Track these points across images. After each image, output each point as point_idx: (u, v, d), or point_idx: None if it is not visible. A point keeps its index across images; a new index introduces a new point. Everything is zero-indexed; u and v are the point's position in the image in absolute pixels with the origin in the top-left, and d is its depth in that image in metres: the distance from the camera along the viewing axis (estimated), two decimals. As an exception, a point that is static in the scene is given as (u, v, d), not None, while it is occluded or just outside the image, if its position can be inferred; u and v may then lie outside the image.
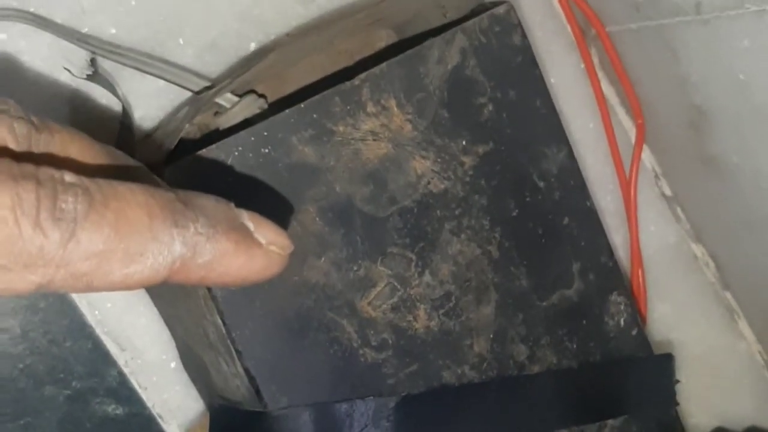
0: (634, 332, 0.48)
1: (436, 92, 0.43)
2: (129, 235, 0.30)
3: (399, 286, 0.43)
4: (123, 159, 0.33)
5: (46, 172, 0.29)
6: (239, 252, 0.33)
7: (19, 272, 0.28)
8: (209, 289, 0.40)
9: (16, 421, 0.46)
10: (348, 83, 0.42)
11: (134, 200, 0.30)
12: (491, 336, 0.45)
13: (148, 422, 0.48)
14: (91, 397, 0.47)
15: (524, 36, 0.45)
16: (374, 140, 0.42)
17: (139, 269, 0.30)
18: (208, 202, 0.33)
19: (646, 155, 0.56)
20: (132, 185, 0.31)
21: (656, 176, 0.57)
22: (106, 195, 0.30)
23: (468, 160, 0.44)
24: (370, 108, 0.42)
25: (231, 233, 0.33)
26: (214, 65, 0.47)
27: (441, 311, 0.44)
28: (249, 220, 0.34)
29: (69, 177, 0.29)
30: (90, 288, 0.30)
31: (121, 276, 0.30)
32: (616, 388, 0.48)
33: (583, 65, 0.55)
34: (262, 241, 0.34)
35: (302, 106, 0.41)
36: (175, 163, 0.39)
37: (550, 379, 0.46)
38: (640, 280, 0.55)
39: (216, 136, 0.41)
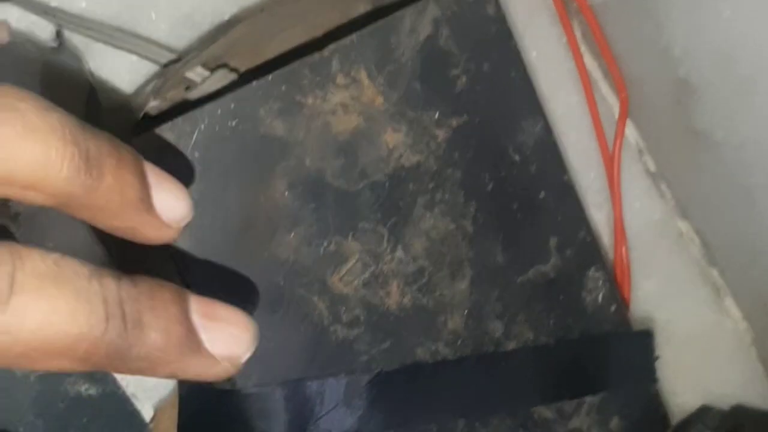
0: (612, 308, 0.48)
1: (408, 64, 0.42)
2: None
3: (371, 262, 0.42)
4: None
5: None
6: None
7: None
8: (177, 270, 0.39)
9: (-13, 401, 0.45)
10: (317, 54, 0.41)
11: None
12: (466, 312, 0.44)
13: (121, 402, 0.47)
14: (64, 378, 0.46)
15: (498, 6, 0.44)
16: (344, 113, 0.41)
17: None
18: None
19: (630, 130, 0.55)
20: None
21: (640, 152, 0.56)
22: None
23: (441, 133, 0.43)
24: (340, 80, 0.41)
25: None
26: (188, 39, 0.46)
27: (414, 287, 0.43)
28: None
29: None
30: None
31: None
32: (594, 364, 0.47)
33: (565, 39, 0.54)
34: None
35: (270, 77, 0.40)
36: (141, 136, 0.39)
37: (526, 356, 0.45)
38: (624, 257, 0.55)
39: (182, 107, 0.41)
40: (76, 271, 0.28)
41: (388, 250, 0.43)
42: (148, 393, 0.48)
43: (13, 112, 0.28)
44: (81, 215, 0.30)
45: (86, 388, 0.47)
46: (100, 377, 0.47)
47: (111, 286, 0.29)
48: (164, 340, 0.30)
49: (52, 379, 0.46)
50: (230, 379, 0.40)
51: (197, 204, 0.38)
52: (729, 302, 0.58)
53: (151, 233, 0.32)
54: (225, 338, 0.32)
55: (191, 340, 0.31)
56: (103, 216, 0.30)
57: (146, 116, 0.40)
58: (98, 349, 0.28)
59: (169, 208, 0.32)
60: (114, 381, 0.47)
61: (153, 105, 0.41)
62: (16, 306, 0.27)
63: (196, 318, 0.31)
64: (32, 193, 0.28)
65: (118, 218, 0.31)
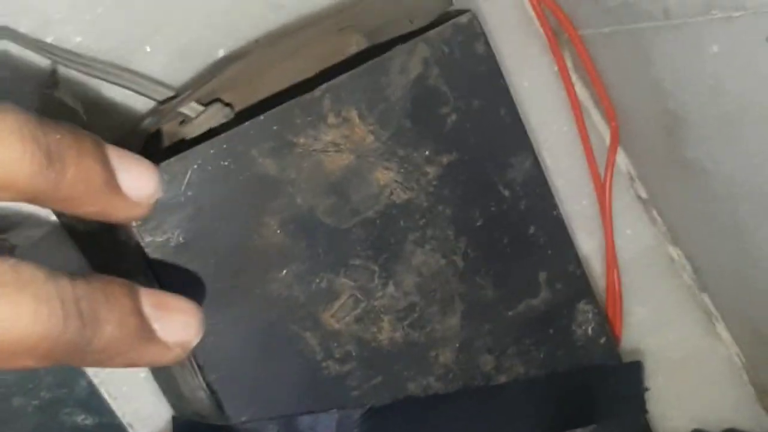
0: (602, 340, 0.48)
1: (399, 103, 0.43)
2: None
3: (362, 298, 0.43)
4: None
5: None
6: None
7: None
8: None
9: (-16, 432, 0.46)
10: (308, 95, 0.41)
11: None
12: (457, 346, 0.45)
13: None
14: (61, 408, 0.47)
15: (488, 45, 0.44)
16: (336, 152, 0.42)
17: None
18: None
19: (621, 158, 0.56)
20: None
21: (631, 179, 0.56)
22: None
23: (432, 171, 0.44)
24: (332, 119, 0.42)
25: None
26: (184, 73, 0.47)
27: (405, 322, 0.44)
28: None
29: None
30: None
31: None
32: (584, 397, 0.48)
33: (556, 68, 0.54)
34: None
35: (262, 118, 0.41)
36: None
37: (517, 390, 0.46)
38: (616, 283, 0.55)
39: (177, 147, 0.41)
40: (33, 274, 0.29)
41: (380, 286, 0.43)
42: (144, 422, 0.48)
43: None
44: (50, 207, 0.32)
45: (83, 419, 0.47)
46: (97, 407, 0.47)
47: (66, 286, 0.29)
48: (120, 333, 0.31)
49: (50, 410, 0.46)
50: (223, 415, 0.41)
51: (190, 243, 0.39)
52: (720, 327, 0.58)
53: (121, 214, 0.33)
54: (176, 326, 0.33)
55: (145, 330, 0.32)
56: (72, 205, 0.31)
57: (144, 152, 0.40)
58: (58, 347, 0.29)
59: (136, 187, 0.33)
60: (111, 411, 0.48)
61: (147, 143, 0.41)
62: None
63: (148, 309, 0.32)
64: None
65: (86, 204, 0.32)
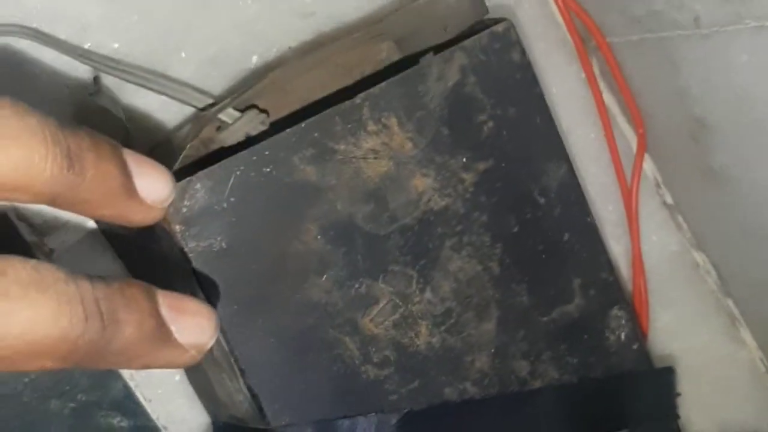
0: (634, 347, 0.49)
1: (436, 110, 0.43)
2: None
3: (400, 303, 0.43)
4: None
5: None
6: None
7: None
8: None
9: (21, 434, 0.46)
10: (348, 102, 0.42)
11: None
12: (493, 352, 0.45)
13: (153, 434, 0.48)
14: (96, 410, 0.47)
15: (524, 53, 0.45)
16: (375, 158, 0.42)
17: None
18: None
19: (648, 164, 0.56)
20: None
21: (657, 185, 0.57)
22: None
23: (468, 177, 0.44)
24: (371, 127, 0.42)
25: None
26: (216, 79, 0.47)
27: (442, 328, 0.44)
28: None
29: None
30: None
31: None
32: (617, 402, 0.48)
33: (584, 75, 0.55)
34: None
35: (303, 125, 0.41)
36: (177, 183, 0.40)
37: (551, 395, 0.46)
38: (642, 289, 0.56)
39: (218, 154, 0.42)
40: (54, 275, 0.29)
41: (417, 292, 0.44)
42: (179, 425, 0.49)
43: None
44: (68, 209, 0.32)
45: (118, 421, 0.48)
46: (132, 410, 0.48)
47: (87, 287, 0.30)
48: (138, 334, 0.32)
49: (85, 412, 0.47)
50: (264, 419, 0.41)
51: (232, 248, 0.40)
52: (744, 332, 0.58)
53: (137, 217, 0.34)
54: (192, 328, 0.34)
55: (162, 331, 0.33)
56: (89, 207, 0.32)
57: (183, 162, 0.41)
58: (79, 348, 0.30)
59: (151, 191, 0.34)
60: (145, 413, 0.48)
61: (189, 148, 0.42)
62: (1, 312, 0.28)
63: (165, 311, 0.33)
64: (19, 195, 0.30)
65: (104, 207, 0.33)
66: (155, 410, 0.48)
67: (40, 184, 0.30)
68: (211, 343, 0.35)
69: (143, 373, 0.48)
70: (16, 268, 0.29)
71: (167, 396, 0.48)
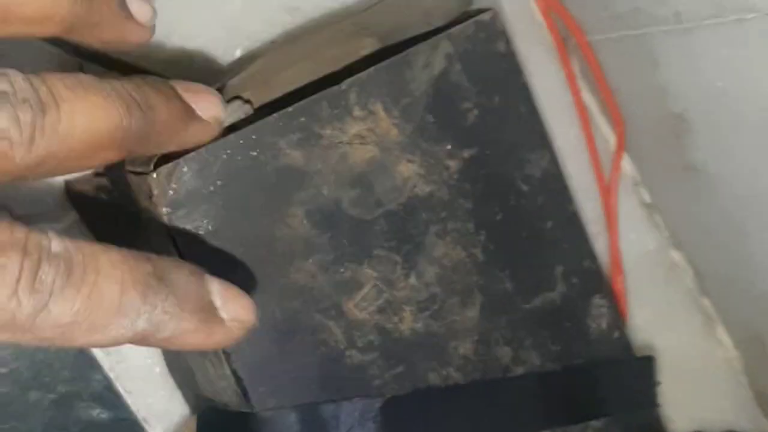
0: (615, 335, 0.49)
1: (422, 97, 0.44)
2: (97, 309, 0.31)
3: (385, 288, 0.43)
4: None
5: (34, 239, 0.30)
6: (200, 331, 0.35)
7: None
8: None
9: (0, 425, 0.46)
10: (335, 88, 0.42)
11: (111, 274, 0.32)
12: (476, 338, 0.45)
13: (133, 427, 0.48)
14: (77, 402, 0.47)
15: (509, 43, 0.46)
16: (361, 144, 0.43)
17: (100, 339, 0.32)
18: (182, 276, 0.35)
19: (626, 163, 0.57)
20: (114, 256, 0.32)
21: (636, 184, 0.57)
22: (86, 267, 0.31)
23: (453, 164, 0.45)
24: (357, 112, 0.43)
25: (196, 314, 0.34)
26: (201, 73, 0.47)
27: (426, 313, 0.44)
28: (218, 295, 0.36)
29: (55, 245, 0.31)
30: (53, 346, 0.32)
31: (82, 343, 0.32)
32: (598, 389, 0.49)
33: (563, 74, 0.56)
34: (226, 317, 0.36)
35: (290, 109, 0.41)
36: (164, 167, 0.40)
37: (533, 381, 0.46)
38: (620, 287, 0.56)
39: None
40: (89, 78, 0.33)
41: (402, 277, 0.44)
42: (160, 418, 0.48)
43: None
44: (81, 37, 0.34)
45: (98, 413, 0.47)
46: (112, 402, 0.47)
47: (117, 84, 0.33)
48: (170, 113, 0.36)
49: (65, 404, 0.47)
50: (248, 402, 0.41)
51: (219, 231, 0.40)
52: (720, 331, 0.59)
53: (134, 37, 0.37)
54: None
55: (187, 109, 0.37)
56: (99, 32, 0.35)
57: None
58: (131, 133, 0.33)
59: (142, 11, 0.37)
60: (126, 406, 0.48)
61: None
62: (65, 111, 0.31)
63: (183, 94, 0.38)
64: (39, 27, 0.32)
65: (108, 30, 0.35)
66: (135, 402, 0.48)
67: (62, 12, 0.32)
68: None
69: (123, 364, 0.47)
70: (59, 78, 0.31)
71: (147, 388, 0.48)
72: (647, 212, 0.58)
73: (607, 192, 0.56)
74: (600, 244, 0.56)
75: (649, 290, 0.58)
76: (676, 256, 0.58)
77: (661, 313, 0.58)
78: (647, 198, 0.58)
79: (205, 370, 0.43)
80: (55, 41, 0.43)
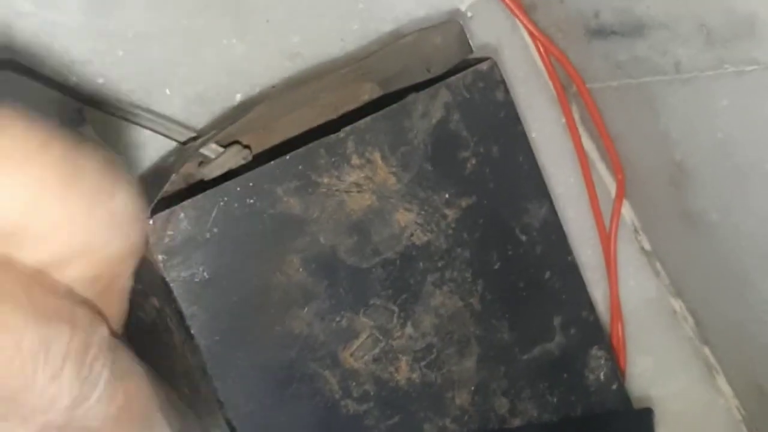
0: (614, 386, 0.49)
1: (420, 146, 0.44)
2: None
3: (381, 338, 0.43)
4: None
5: (85, 316, 0.28)
6: None
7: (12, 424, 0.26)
8: (192, 341, 0.40)
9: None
10: (333, 136, 0.42)
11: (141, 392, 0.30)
12: (473, 389, 0.45)
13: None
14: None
15: (507, 92, 0.46)
16: (358, 192, 0.43)
17: None
18: None
19: (626, 210, 0.57)
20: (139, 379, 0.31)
21: (636, 231, 0.57)
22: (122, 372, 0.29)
23: (451, 213, 0.44)
24: (355, 160, 0.42)
25: None
26: (201, 116, 0.48)
27: (423, 363, 0.44)
28: None
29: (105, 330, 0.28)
30: None
31: None
32: (596, 441, 0.48)
33: (564, 120, 0.55)
34: None
35: (288, 157, 0.41)
36: (161, 213, 0.40)
37: (531, 433, 0.46)
38: (620, 334, 0.56)
39: (201, 186, 0.42)
40: None
41: (398, 327, 0.43)
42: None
43: None
44: None
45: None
46: None
47: None
48: None
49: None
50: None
51: (214, 278, 0.40)
52: (721, 380, 0.59)
53: None
54: None
55: None
56: None
57: (166, 193, 0.41)
58: None
59: None
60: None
61: (172, 182, 0.42)
62: None
63: None
64: None
65: None
66: None
67: None
68: None
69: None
70: None
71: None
72: (647, 260, 0.58)
73: (607, 239, 0.56)
74: (600, 291, 0.56)
75: (649, 338, 0.58)
76: (676, 303, 0.58)
77: (662, 362, 0.58)
78: (647, 245, 0.57)
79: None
80: (56, 86, 0.44)
